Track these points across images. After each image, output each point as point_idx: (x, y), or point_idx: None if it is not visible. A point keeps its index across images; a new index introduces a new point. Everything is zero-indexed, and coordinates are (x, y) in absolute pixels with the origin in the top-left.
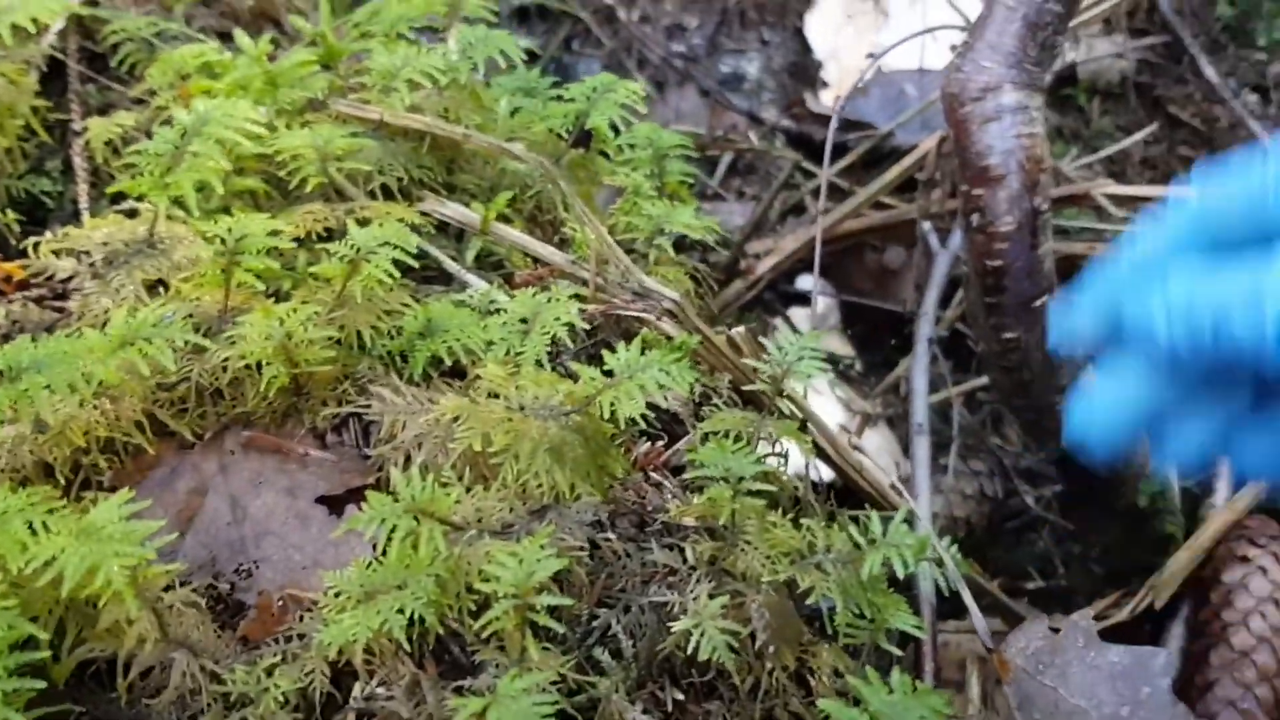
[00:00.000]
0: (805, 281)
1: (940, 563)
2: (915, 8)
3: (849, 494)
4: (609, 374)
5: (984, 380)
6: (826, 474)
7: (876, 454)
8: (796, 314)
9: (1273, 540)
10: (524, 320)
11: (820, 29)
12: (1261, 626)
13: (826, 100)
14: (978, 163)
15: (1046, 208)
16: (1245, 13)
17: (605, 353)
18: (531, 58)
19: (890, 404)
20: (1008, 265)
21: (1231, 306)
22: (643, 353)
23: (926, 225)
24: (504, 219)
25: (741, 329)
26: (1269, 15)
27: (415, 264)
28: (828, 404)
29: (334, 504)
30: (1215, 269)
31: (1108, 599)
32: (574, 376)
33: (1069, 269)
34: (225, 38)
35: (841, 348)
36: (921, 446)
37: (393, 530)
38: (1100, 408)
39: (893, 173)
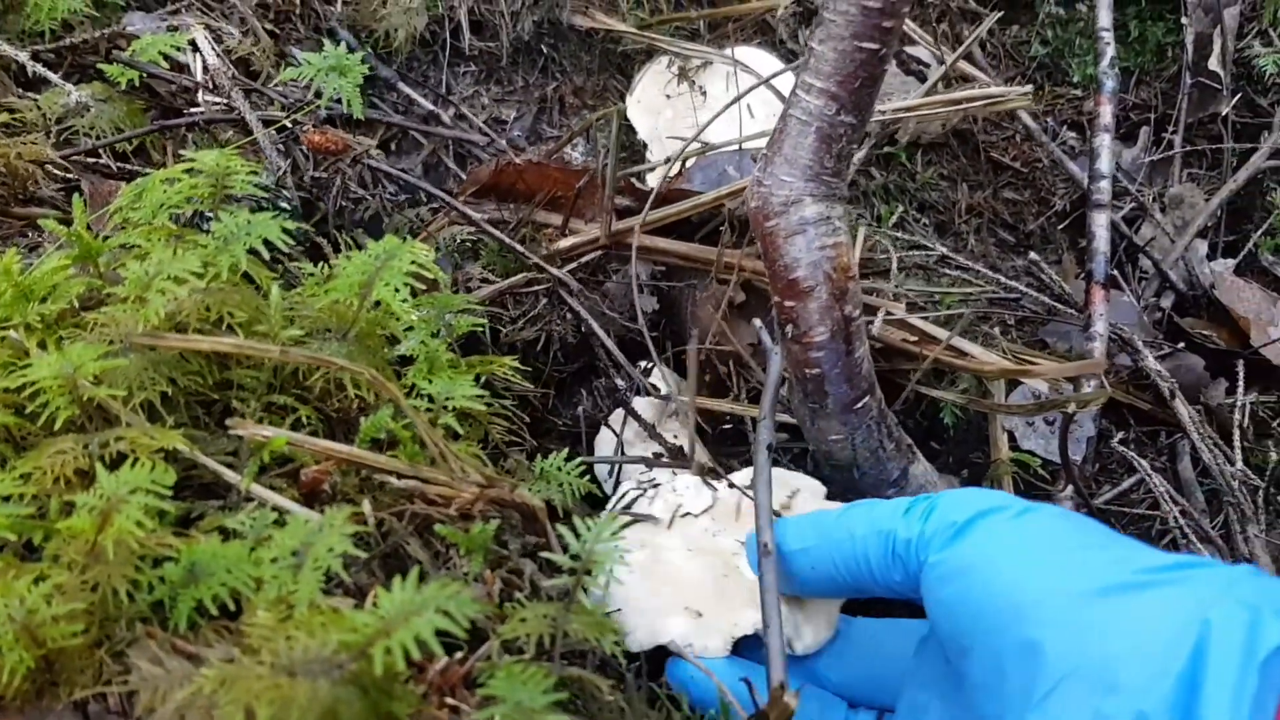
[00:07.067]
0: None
1: None
2: (730, 89)
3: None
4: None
5: None
6: None
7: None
8: (640, 404)
9: None
10: (296, 553)
11: (641, 111)
12: None
13: (653, 182)
14: (786, 275)
15: (858, 314)
16: (1058, 50)
17: (380, 590)
18: (303, 240)
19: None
20: (825, 373)
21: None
22: (420, 585)
23: (758, 322)
24: (291, 409)
25: None
26: (1081, 51)
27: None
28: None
29: None
30: None
31: None
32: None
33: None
34: None
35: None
36: (770, 570)
37: None
38: None
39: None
